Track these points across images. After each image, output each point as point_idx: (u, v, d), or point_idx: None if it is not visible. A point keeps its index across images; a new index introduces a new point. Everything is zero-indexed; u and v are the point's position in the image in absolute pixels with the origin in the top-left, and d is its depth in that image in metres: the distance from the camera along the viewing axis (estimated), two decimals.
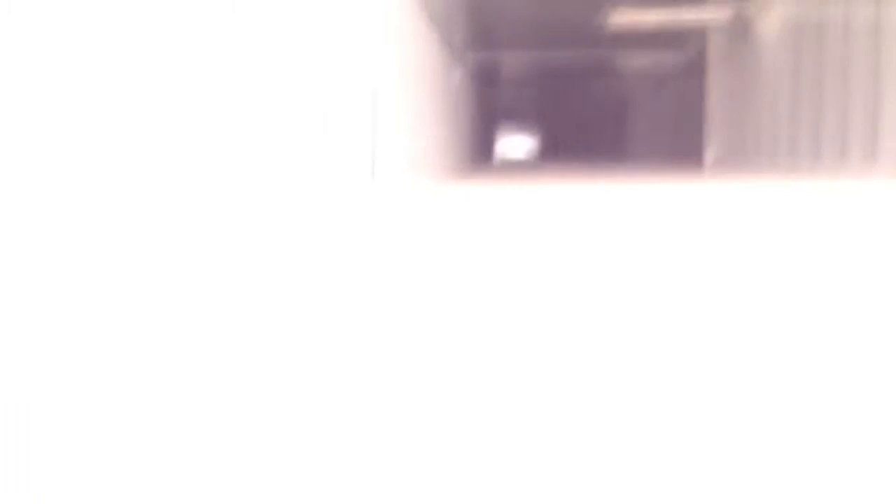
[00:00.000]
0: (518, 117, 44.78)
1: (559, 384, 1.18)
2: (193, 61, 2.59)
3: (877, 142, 8.99)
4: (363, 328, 1.60)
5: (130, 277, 2.00)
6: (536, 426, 1.02)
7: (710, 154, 16.59)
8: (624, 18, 14.67)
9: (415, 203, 5.49)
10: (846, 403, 1.08)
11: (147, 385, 1.19)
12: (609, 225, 3.74)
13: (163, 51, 2.35)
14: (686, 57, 19.40)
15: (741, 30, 14.32)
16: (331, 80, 4.44)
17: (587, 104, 38.61)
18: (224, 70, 2.86)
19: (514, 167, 18.30)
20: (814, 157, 10.86)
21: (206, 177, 2.65)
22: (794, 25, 11.86)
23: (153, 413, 1.09)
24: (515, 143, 47.89)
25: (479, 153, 23.50)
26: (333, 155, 4.44)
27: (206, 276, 2.34)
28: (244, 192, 3.00)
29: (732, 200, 5.53)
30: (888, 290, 2.00)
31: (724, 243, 2.94)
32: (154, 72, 2.28)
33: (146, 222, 2.21)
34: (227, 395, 1.12)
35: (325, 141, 4.26)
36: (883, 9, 8.88)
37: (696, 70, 18.49)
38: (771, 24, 13.02)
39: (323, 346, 1.43)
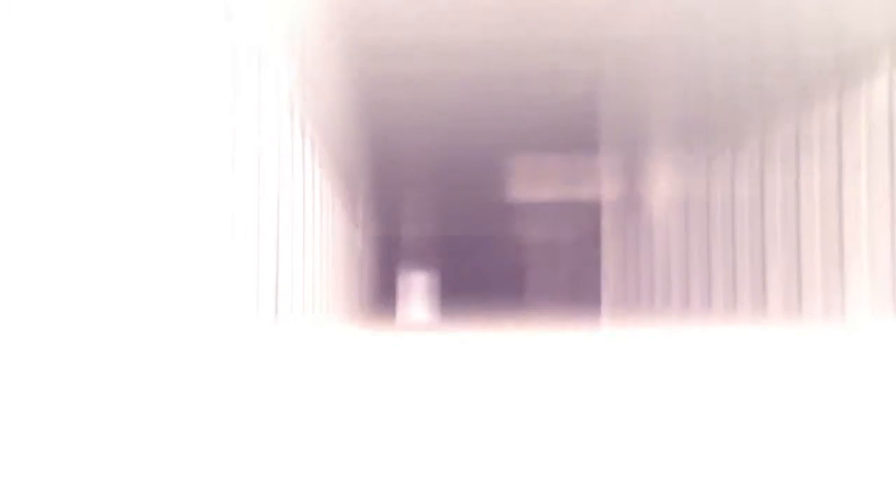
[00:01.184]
0: (422, 286, 44.91)
1: None
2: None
3: (765, 296, 9.39)
4: (253, 465, 1.59)
5: None
6: None
7: (611, 311, 16.99)
8: (524, 194, 15.24)
9: (314, 346, 5.49)
10: None
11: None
12: (506, 371, 3.80)
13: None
14: (582, 228, 20.13)
15: (633, 203, 14.98)
16: (235, 225, 4.50)
17: (489, 270, 39.27)
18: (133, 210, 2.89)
19: (416, 326, 18.33)
20: (705, 305, 11.23)
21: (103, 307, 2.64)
22: (682, 197, 12.48)
23: None
24: (418, 306, 47.87)
25: (381, 307, 23.62)
26: (235, 297, 4.45)
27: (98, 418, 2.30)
28: (141, 330, 2.98)
29: (626, 348, 5.69)
30: (777, 426, 2.09)
31: (618, 388, 3.02)
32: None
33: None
34: None
35: (229, 282, 4.27)
36: (766, 178, 9.46)
37: (592, 239, 19.15)
38: (660, 198, 13.69)
39: (216, 483, 1.42)
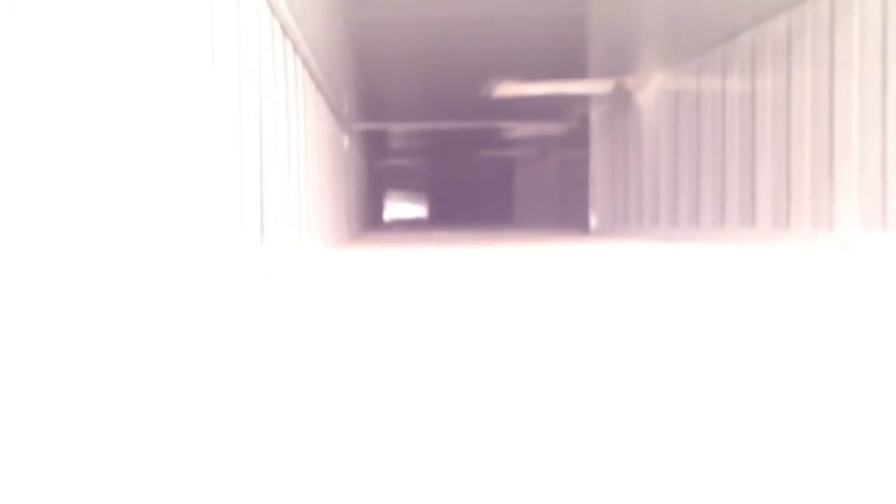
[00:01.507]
0: (408, 183, 45.10)
1: (436, 444, 1.18)
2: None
3: (754, 206, 9.38)
4: (244, 389, 1.58)
5: None
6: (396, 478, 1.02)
7: (594, 217, 17.00)
8: (508, 91, 15.03)
9: (301, 268, 5.46)
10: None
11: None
12: (494, 284, 3.79)
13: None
14: (569, 126, 19.95)
15: (622, 100, 14.82)
16: (217, 134, 4.41)
17: (475, 171, 39.18)
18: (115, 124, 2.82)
19: (404, 230, 18.40)
20: (693, 222, 11.25)
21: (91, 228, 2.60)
22: (673, 96, 12.34)
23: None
24: (405, 207, 48.15)
25: (370, 217, 23.57)
26: (221, 220, 4.40)
27: (90, 334, 2.28)
28: (128, 253, 2.94)
29: (613, 262, 5.68)
30: (762, 347, 2.09)
31: (606, 302, 3.01)
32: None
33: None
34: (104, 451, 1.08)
35: (214, 204, 4.22)
36: (757, 79, 9.34)
37: (579, 138, 19.02)
38: (649, 100, 13.53)
39: (210, 402, 1.40)
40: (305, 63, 8.13)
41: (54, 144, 2.37)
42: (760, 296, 3.64)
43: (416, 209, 48.18)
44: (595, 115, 17.17)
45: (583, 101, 16.43)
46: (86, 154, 2.59)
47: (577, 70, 14.41)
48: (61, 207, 2.40)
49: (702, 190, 11.09)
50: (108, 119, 2.80)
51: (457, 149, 30.29)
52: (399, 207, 47.32)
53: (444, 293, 3.92)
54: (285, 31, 6.79)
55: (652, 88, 13.39)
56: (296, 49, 7.43)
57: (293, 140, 7.30)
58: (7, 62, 2.13)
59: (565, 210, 24.12)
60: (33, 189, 2.23)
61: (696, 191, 11.31)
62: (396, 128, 22.05)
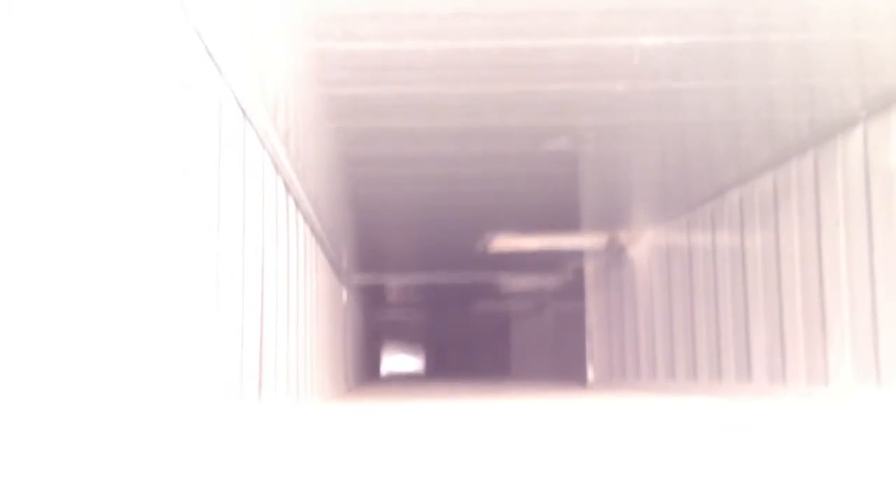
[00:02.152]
0: (404, 336, 45.12)
1: None
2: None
3: (750, 361, 9.43)
4: None
5: None
6: None
7: (591, 370, 16.97)
8: (504, 245, 15.29)
9: (298, 422, 5.46)
10: None
11: None
12: (492, 439, 3.80)
13: None
14: (565, 279, 20.17)
15: (616, 254, 15.05)
16: (220, 292, 4.50)
17: (471, 324, 39.25)
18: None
19: (401, 383, 18.33)
20: (690, 375, 11.26)
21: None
22: (665, 250, 12.56)
23: None
24: (402, 361, 47.97)
25: (366, 371, 23.51)
26: (220, 377, 4.44)
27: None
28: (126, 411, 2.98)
29: (613, 415, 5.68)
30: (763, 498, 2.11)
31: (604, 457, 3.03)
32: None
33: None
34: None
35: (213, 361, 4.27)
36: (747, 235, 9.55)
37: (575, 291, 19.20)
38: (642, 254, 13.76)
39: None
40: (307, 218, 8.34)
41: (59, 302, 2.45)
42: (757, 456, 3.66)
43: (412, 362, 48.05)
44: (589, 268, 17.40)
45: (577, 254, 16.70)
46: (85, 307, 2.67)
47: (570, 224, 14.73)
48: (63, 362, 2.46)
49: (698, 344, 11.16)
50: (108, 268, 2.89)
51: (454, 302, 30.48)
52: (396, 360, 47.21)
53: (439, 450, 3.94)
54: (288, 188, 7.00)
55: (644, 243, 13.64)
56: (298, 205, 7.64)
57: (293, 295, 7.42)
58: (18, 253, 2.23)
59: (562, 362, 24.09)
60: (35, 343, 2.29)
61: (692, 344, 11.38)
62: (394, 281, 22.27)
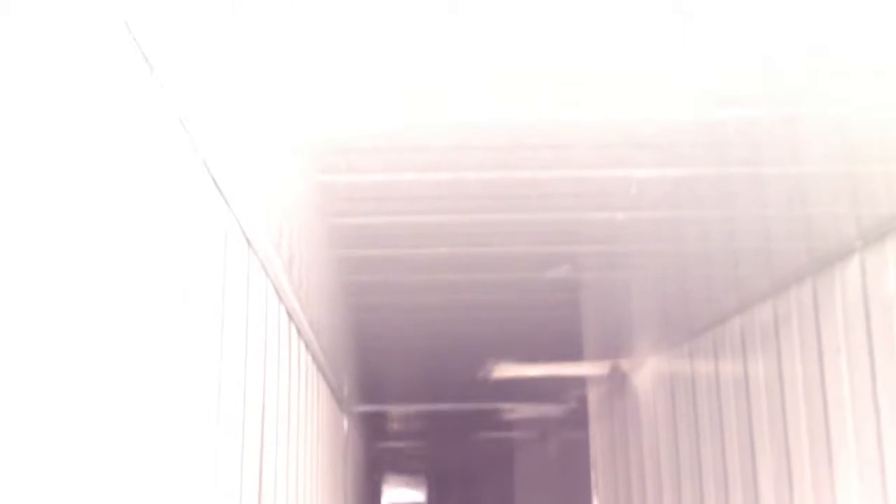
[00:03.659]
0: (405, 466, 44.33)
1: None
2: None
3: (757, 493, 9.27)
4: None
5: None
6: None
7: (596, 501, 16.65)
8: (506, 373, 15.24)
9: None
10: None
11: None
12: None
13: None
14: (568, 407, 19.99)
15: (619, 382, 14.98)
16: (221, 419, 4.48)
17: (474, 453, 38.67)
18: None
19: None
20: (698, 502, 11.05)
21: None
22: (668, 378, 12.50)
23: None
24: (403, 493, 47.02)
25: (368, 500, 23.04)
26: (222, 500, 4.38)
27: None
28: None
29: None
30: None
31: None
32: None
33: None
34: None
35: (213, 491, 4.22)
36: (749, 363, 9.53)
37: (578, 419, 19.01)
38: (645, 378, 13.70)
39: None
40: (308, 346, 8.36)
41: (54, 434, 2.46)
42: None
43: (414, 494, 47.06)
44: (592, 396, 17.27)
45: (580, 382, 16.60)
46: (84, 438, 2.67)
47: (573, 352, 14.68)
48: (63, 492, 2.45)
49: (704, 475, 10.99)
50: (109, 396, 2.90)
51: (455, 431, 30.11)
52: (397, 492, 46.24)
53: None
54: (290, 316, 7.05)
55: (647, 371, 13.59)
56: (300, 333, 7.67)
57: (293, 425, 7.37)
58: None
59: (567, 493, 23.63)
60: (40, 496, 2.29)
61: (698, 475, 11.21)
62: (395, 410, 22.08)
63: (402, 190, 7.86)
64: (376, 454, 32.34)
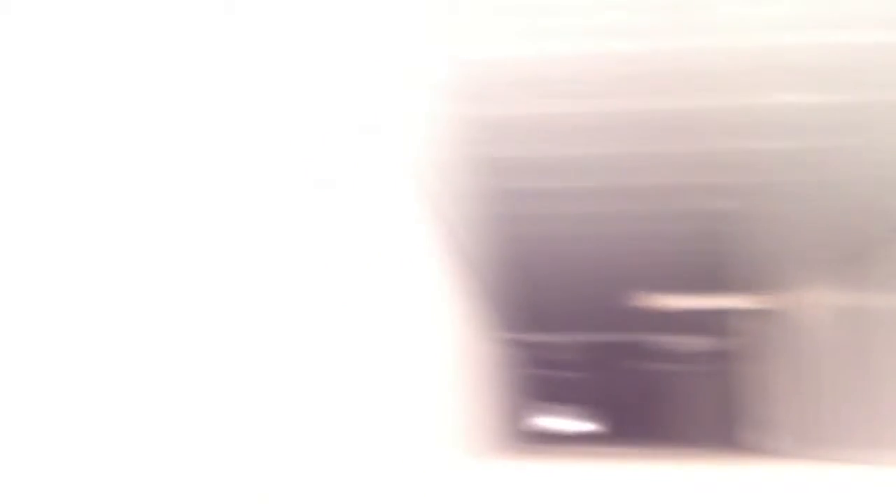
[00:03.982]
0: (558, 396, 44.75)
1: None
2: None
3: None
4: None
5: None
6: None
7: (747, 437, 16.57)
8: (661, 303, 15.24)
9: (452, 480, 5.64)
10: None
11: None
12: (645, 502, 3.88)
13: None
14: (723, 341, 19.82)
15: (779, 316, 14.77)
16: (368, 358, 4.79)
17: (625, 384, 38.71)
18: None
19: (555, 443, 18.32)
20: (872, 443, 10.88)
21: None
22: (833, 312, 12.27)
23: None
24: (555, 420, 47.52)
25: (520, 430, 23.56)
26: (376, 434, 4.69)
27: None
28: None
29: (772, 485, 5.64)
30: None
31: None
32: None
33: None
34: None
35: (366, 418, 4.53)
36: None
37: (733, 354, 18.83)
38: (808, 312, 13.46)
39: None
40: (462, 276, 8.66)
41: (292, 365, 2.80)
42: None
43: (565, 422, 47.51)
44: (753, 330, 17.08)
45: (740, 315, 16.42)
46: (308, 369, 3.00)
47: (732, 285, 14.56)
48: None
49: (882, 409, 10.76)
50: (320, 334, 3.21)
51: (605, 362, 30.21)
52: (548, 420, 46.79)
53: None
54: (447, 248, 7.34)
55: (808, 303, 13.35)
56: (455, 264, 7.97)
57: (447, 350, 7.70)
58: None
59: (721, 426, 23.52)
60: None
61: (874, 409, 10.98)
62: (549, 339, 22.34)
63: (554, 122, 8.05)
64: (530, 382, 32.76)
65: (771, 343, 15.08)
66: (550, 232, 11.88)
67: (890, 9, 4.71)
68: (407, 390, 5.24)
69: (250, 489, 2.43)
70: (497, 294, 13.20)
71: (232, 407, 2.35)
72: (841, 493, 4.12)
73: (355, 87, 3.98)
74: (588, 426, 45.18)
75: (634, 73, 6.52)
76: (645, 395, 38.71)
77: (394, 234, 4.94)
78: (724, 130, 7.68)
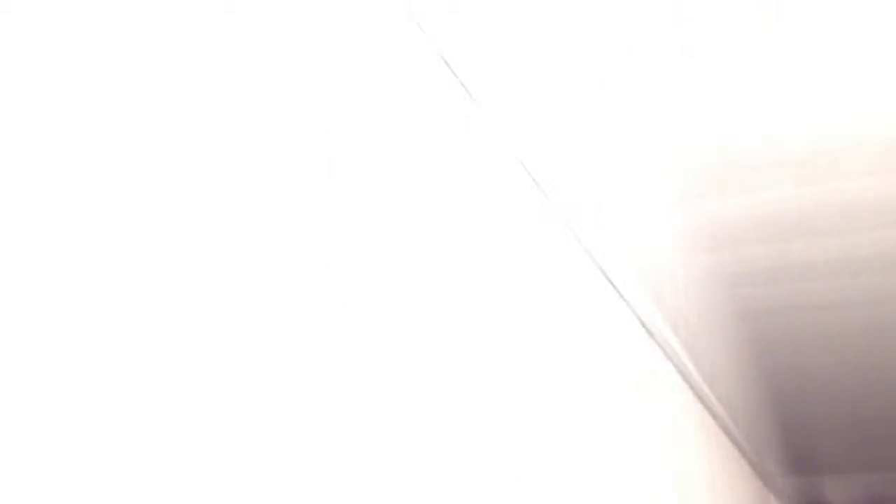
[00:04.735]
0: None
1: None
2: None
3: None
4: None
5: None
6: None
7: None
8: None
9: None
10: None
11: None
12: None
13: None
14: None
15: None
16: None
17: None
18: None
19: None
20: None
21: None
22: None
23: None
24: None
25: None
26: None
27: None
28: None
29: None
30: None
31: None
32: None
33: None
34: None
35: None
36: None
37: None
38: None
39: None
40: (721, 424, 8.20)
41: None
42: None
43: None
44: None
45: None
46: None
47: None
48: None
49: None
50: None
51: None
52: None
53: None
54: (699, 397, 7.00)
55: None
56: (712, 413, 7.56)
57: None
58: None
59: None
60: None
61: None
62: (830, 481, 20.62)
63: (800, 260, 7.58)
64: None
65: None
66: (819, 365, 11.09)
67: None
68: None
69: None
70: (767, 436, 12.37)
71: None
72: None
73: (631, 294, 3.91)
74: None
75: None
76: None
77: (660, 404, 4.74)
78: None
